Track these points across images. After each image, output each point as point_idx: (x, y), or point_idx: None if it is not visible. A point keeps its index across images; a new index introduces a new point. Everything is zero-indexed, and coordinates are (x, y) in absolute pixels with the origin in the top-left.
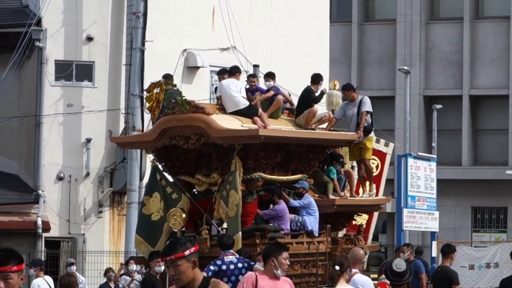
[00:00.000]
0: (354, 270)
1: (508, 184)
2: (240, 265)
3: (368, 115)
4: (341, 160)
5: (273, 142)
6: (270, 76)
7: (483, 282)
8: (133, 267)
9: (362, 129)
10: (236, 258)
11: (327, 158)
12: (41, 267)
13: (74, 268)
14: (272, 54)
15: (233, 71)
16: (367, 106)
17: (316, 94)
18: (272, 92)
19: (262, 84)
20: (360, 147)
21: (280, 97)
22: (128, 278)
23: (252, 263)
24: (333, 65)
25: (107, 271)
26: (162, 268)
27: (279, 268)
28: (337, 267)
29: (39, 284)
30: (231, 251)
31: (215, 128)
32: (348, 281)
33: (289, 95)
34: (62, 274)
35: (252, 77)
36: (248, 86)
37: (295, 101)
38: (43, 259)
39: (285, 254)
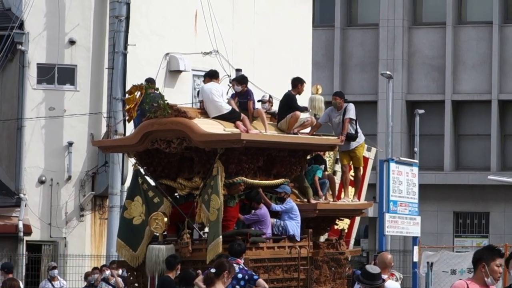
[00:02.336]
0: (384, 276)
1: (490, 189)
2: (240, 275)
3: (352, 123)
4: (322, 161)
5: (255, 146)
6: (237, 80)
7: None
8: (106, 273)
9: (344, 135)
10: (239, 268)
11: (311, 160)
12: (5, 270)
13: (56, 272)
14: (254, 58)
15: (215, 75)
16: (351, 113)
17: (298, 99)
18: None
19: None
20: (350, 155)
21: (260, 110)
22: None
23: (255, 276)
24: (315, 69)
25: (88, 275)
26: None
27: (490, 275)
28: (212, 270)
29: None
30: (237, 259)
31: (197, 132)
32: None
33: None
34: (42, 278)
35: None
36: (232, 91)
37: (276, 105)
38: (24, 262)
39: (498, 261)
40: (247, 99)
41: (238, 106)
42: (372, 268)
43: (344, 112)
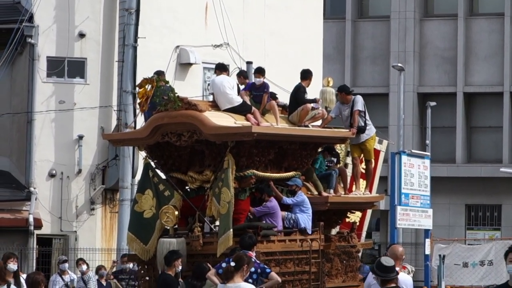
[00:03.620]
0: (396, 269)
1: (502, 181)
2: (252, 269)
3: (361, 114)
4: (334, 153)
5: (266, 139)
6: (259, 72)
7: (477, 279)
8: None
9: (355, 128)
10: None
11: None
12: None
13: (66, 265)
14: (265, 51)
15: (225, 68)
16: (359, 105)
17: (306, 96)
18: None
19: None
20: (361, 148)
21: (273, 102)
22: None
23: (267, 270)
24: (326, 62)
25: (99, 269)
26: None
27: None
28: (232, 264)
29: None
30: (249, 252)
31: (207, 125)
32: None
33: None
34: (53, 272)
35: (241, 77)
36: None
37: (286, 98)
38: (34, 256)
39: None
40: (263, 92)
41: (252, 99)
42: (386, 261)
43: (353, 104)
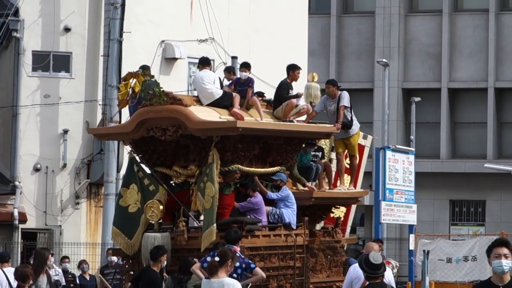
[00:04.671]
0: None
1: (486, 177)
2: (237, 264)
3: (346, 110)
4: (315, 148)
5: (251, 134)
6: (245, 66)
7: (461, 275)
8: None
9: (340, 123)
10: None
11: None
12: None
13: (52, 260)
14: (250, 45)
15: (208, 62)
16: (345, 101)
17: (291, 92)
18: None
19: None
20: (346, 143)
21: (255, 98)
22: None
23: (252, 265)
24: (311, 57)
25: (81, 263)
26: None
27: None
28: (217, 258)
29: None
30: (234, 246)
31: (192, 119)
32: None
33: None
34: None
35: (230, 72)
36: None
37: (271, 93)
38: (19, 250)
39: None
40: (248, 86)
41: (237, 93)
42: (375, 258)
43: (339, 100)
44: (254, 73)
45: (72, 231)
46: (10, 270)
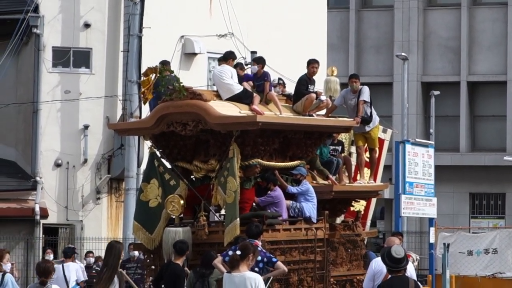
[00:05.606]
0: None
1: (506, 170)
2: (258, 257)
3: (366, 105)
4: (334, 140)
5: (271, 128)
6: (256, 61)
7: (481, 267)
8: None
9: (359, 117)
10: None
11: None
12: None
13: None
14: (269, 40)
15: (226, 57)
16: (365, 95)
17: (310, 87)
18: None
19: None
20: (365, 137)
21: (272, 93)
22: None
23: (274, 259)
24: (330, 51)
25: (96, 260)
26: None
27: None
28: (238, 252)
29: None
30: (255, 241)
31: (212, 114)
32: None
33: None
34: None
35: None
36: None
37: (291, 87)
38: (41, 245)
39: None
40: (264, 81)
41: (254, 88)
42: (397, 252)
43: (359, 94)
44: (273, 67)
45: (93, 226)
46: (72, 266)
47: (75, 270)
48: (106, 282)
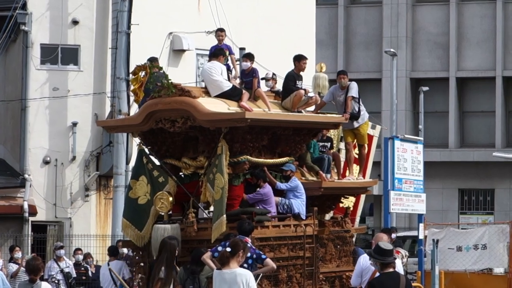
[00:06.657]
0: None
1: (495, 166)
2: (248, 254)
3: (354, 101)
4: (324, 138)
5: (259, 125)
6: (247, 56)
7: (470, 263)
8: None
9: (348, 113)
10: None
11: None
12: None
13: (63, 252)
14: (258, 37)
15: (217, 54)
16: (353, 91)
17: (298, 83)
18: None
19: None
20: (354, 133)
21: (260, 90)
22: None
23: (263, 256)
24: (319, 48)
25: (85, 257)
26: None
27: None
28: (228, 249)
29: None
30: (246, 237)
31: (201, 111)
32: None
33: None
34: (48, 259)
35: (220, 31)
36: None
37: (280, 83)
38: (29, 243)
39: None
40: (253, 77)
41: (242, 85)
42: (385, 245)
43: (347, 90)
44: (261, 64)
45: (82, 223)
46: (116, 264)
47: (119, 268)
48: (166, 282)
